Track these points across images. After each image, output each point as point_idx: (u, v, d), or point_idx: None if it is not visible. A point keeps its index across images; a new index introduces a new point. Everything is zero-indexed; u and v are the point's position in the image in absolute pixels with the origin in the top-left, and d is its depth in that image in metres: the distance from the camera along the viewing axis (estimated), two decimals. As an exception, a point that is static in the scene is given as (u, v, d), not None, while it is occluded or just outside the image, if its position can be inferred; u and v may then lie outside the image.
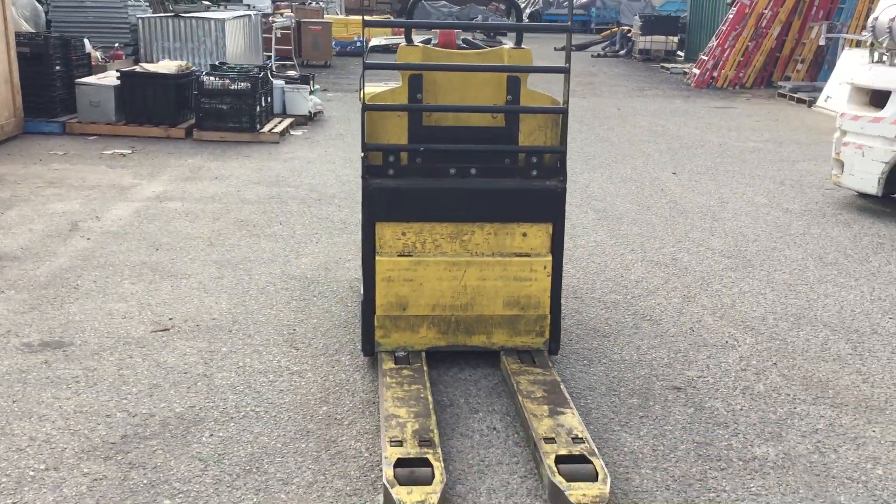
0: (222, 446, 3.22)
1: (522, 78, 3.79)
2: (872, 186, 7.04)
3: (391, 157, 3.76)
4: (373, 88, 4.45)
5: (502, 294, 3.84)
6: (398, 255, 3.79)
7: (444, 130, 3.80)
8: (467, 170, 3.80)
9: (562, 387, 3.59)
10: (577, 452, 3.05)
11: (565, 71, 3.72)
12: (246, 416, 3.46)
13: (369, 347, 3.88)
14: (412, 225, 3.78)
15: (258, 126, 9.94)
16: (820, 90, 15.47)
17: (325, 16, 21.40)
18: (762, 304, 4.90)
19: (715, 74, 17.57)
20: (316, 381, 3.78)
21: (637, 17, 25.43)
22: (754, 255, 5.89)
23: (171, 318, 4.45)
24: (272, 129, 10.17)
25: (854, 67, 7.59)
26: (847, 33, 16.60)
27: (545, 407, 3.39)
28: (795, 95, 15.59)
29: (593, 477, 2.91)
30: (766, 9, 17.34)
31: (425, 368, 3.73)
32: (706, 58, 17.84)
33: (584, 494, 2.81)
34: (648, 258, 5.72)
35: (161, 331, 4.29)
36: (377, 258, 3.77)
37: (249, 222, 6.35)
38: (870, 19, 7.43)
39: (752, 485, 3.05)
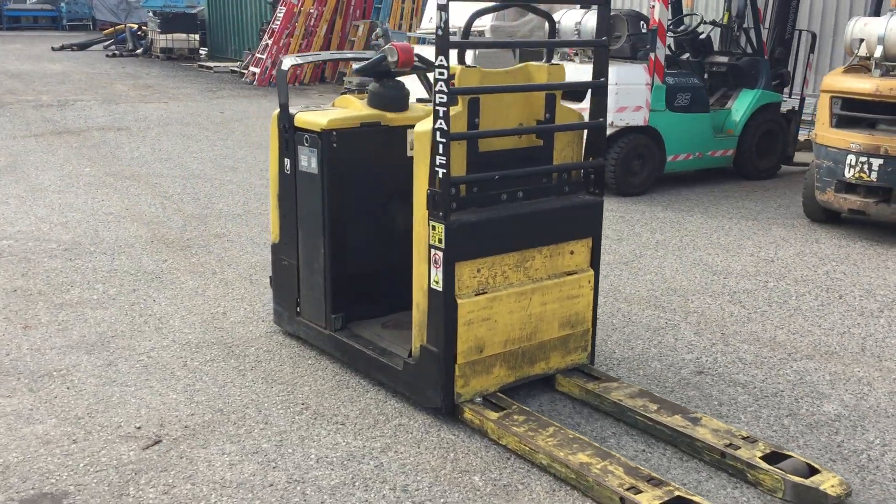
0: (457, 552, 2.71)
1: (558, 95, 3.72)
2: (580, 168, 8.00)
3: (453, 190, 3.42)
4: (311, 114, 3.94)
5: (558, 316, 3.75)
6: (475, 295, 3.48)
7: (496, 155, 3.56)
8: (515, 194, 3.62)
9: (657, 395, 3.67)
10: (770, 451, 3.20)
11: (601, 85, 3.73)
12: (433, 500, 2.93)
13: (450, 401, 3.50)
14: (486, 260, 3.49)
15: None
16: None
17: None
18: (631, 285, 5.41)
19: (275, 72, 17.77)
20: (428, 450, 3.31)
21: (152, 15, 24.33)
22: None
23: (138, 428, 3.44)
24: None
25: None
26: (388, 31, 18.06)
27: (677, 417, 3.45)
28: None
29: (810, 468, 3.10)
30: (312, 8, 18.03)
31: (526, 408, 3.50)
32: (263, 56, 17.93)
33: (832, 486, 3.00)
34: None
35: (154, 445, 3.31)
36: (458, 301, 3.41)
37: (28, 290, 5.01)
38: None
39: (868, 437, 3.52)
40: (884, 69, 6.66)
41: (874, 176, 6.48)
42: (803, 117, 9.41)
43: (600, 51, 3.72)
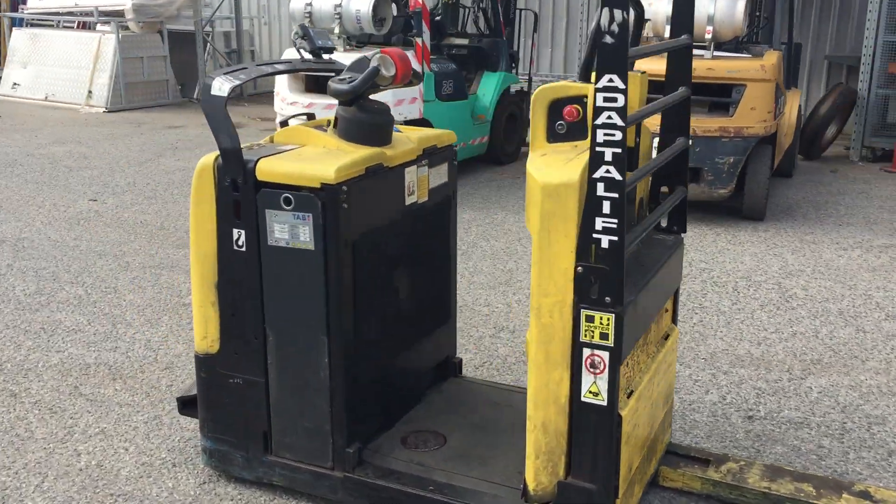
0: None
1: (645, 111, 2.84)
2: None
3: None
4: (291, 162, 2.67)
5: (664, 393, 2.93)
6: (628, 398, 2.52)
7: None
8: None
9: (787, 467, 3.03)
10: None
11: (687, 97, 2.93)
12: None
13: (611, 551, 2.52)
14: (632, 347, 2.55)
15: None
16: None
17: None
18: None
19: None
20: None
21: None
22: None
23: None
24: None
25: (293, 55, 7.21)
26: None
27: (847, 496, 2.84)
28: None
29: None
30: None
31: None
32: None
33: None
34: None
35: None
36: (622, 413, 2.44)
37: None
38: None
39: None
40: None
41: (684, 157, 6.42)
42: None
43: (684, 51, 2.91)
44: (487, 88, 8.30)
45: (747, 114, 6.38)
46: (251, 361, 2.83)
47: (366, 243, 2.74)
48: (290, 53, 7.29)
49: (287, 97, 7.12)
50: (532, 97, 2.46)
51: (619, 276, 2.30)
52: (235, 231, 2.73)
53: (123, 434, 3.33)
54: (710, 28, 6.41)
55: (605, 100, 2.21)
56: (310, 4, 7.01)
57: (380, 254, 2.85)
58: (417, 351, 3.18)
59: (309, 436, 2.82)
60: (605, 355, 2.36)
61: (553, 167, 2.35)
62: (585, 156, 2.32)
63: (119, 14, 12.66)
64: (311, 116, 3.16)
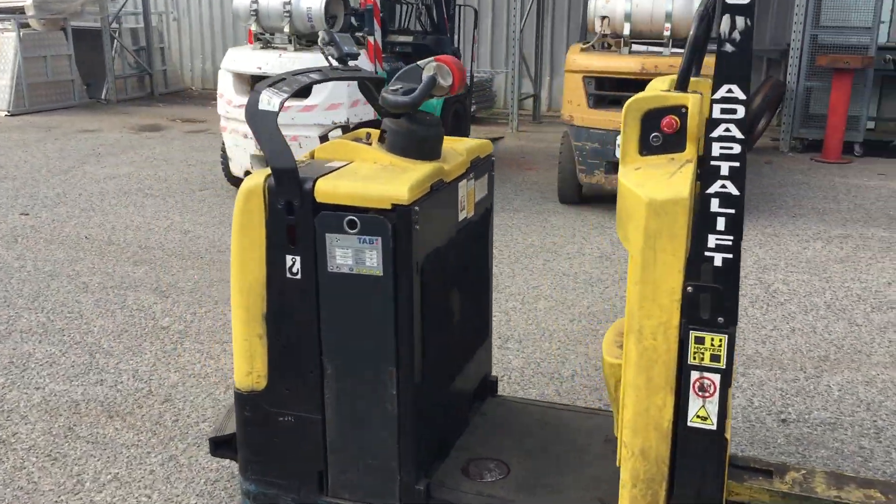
0: None
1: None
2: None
3: None
4: (353, 182, 2.48)
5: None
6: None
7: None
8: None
9: (845, 473, 2.99)
10: None
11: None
12: None
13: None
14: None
15: None
16: None
17: None
18: (544, 317, 4.59)
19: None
20: None
21: None
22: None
23: None
24: None
25: (238, 55, 6.85)
26: None
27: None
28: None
29: None
30: None
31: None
32: None
33: None
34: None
35: None
36: (726, 436, 2.34)
37: None
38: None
39: None
40: (631, 46, 6.61)
41: (646, 154, 6.42)
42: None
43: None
44: (432, 86, 8.11)
45: (707, 109, 6.42)
46: (305, 396, 2.60)
47: (429, 265, 2.55)
48: (233, 52, 6.94)
49: (233, 99, 6.76)
50: (624, 107, 2.32)
51: (734, 295, 2.19)
52: (289, 258, 2.50)
53: (140, 479, 3.04)
54: (668, 25, 6.42)
55: (724, 111, 2.09)
56: (255, 2, 6.67)
57: (439, 275, 2.66)
58: (465, 372, 3.02)
59: (372, 473, 2.62)
60: (716, 378, 2.25)
61: (655, 182, 2.22)
62: (688, 169, 2.20)
63: (19, 11, 11.91)
64: (345, 129, 2.95)
